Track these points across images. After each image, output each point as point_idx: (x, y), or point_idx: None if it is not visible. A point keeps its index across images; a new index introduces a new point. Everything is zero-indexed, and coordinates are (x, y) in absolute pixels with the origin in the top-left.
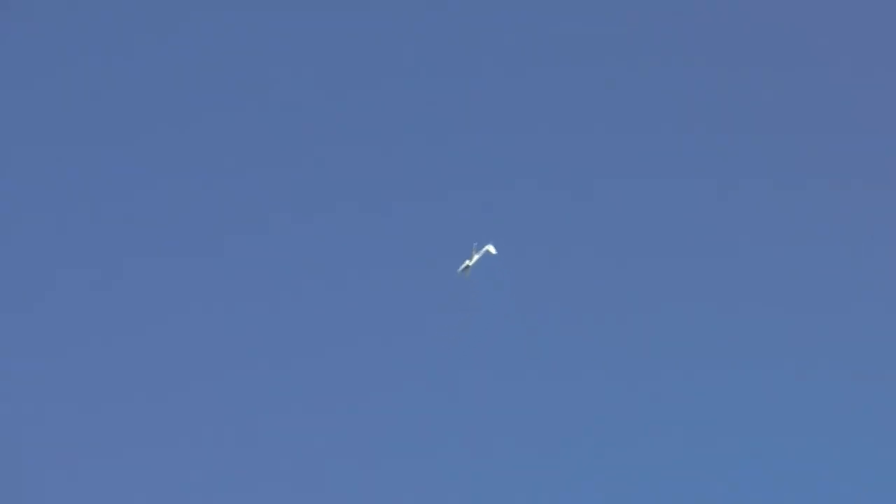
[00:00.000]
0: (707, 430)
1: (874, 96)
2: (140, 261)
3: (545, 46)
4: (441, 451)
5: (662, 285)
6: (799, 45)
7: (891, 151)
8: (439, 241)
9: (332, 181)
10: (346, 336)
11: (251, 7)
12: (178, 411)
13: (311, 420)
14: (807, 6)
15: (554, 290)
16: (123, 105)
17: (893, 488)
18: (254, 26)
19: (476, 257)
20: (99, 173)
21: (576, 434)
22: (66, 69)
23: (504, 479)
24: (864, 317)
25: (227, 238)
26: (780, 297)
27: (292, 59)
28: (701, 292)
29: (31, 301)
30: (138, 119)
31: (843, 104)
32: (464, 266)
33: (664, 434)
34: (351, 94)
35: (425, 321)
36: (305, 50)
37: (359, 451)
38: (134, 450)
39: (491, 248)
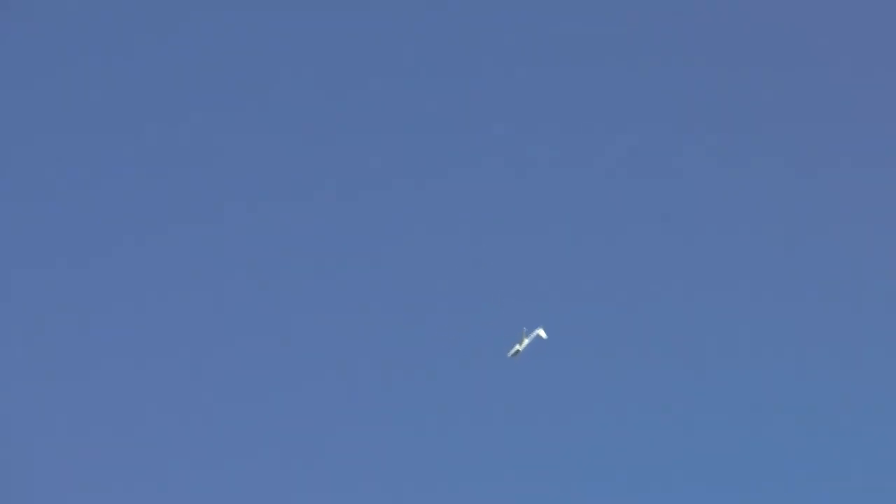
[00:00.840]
0: (709, 431)
1: (875, 96)
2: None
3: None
4: (441, 453)
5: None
6: (799, 45)
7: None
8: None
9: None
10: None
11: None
12: (167, 413)
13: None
14: (807, 7)
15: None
16: (122, 102)
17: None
18: (248, 22)
19: (526, 341)
20: (95, 168)
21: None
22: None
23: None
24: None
25: (227, 238)
26: (781, 297)
27: (287, 59)
28: (702, 291)
29: None
30: (134, 115)
31: (843, 105)
32: (514, 350)
33: (672, 436)
34: (351, 94)
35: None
36: (298, 49)
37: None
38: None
39: (542, 332)
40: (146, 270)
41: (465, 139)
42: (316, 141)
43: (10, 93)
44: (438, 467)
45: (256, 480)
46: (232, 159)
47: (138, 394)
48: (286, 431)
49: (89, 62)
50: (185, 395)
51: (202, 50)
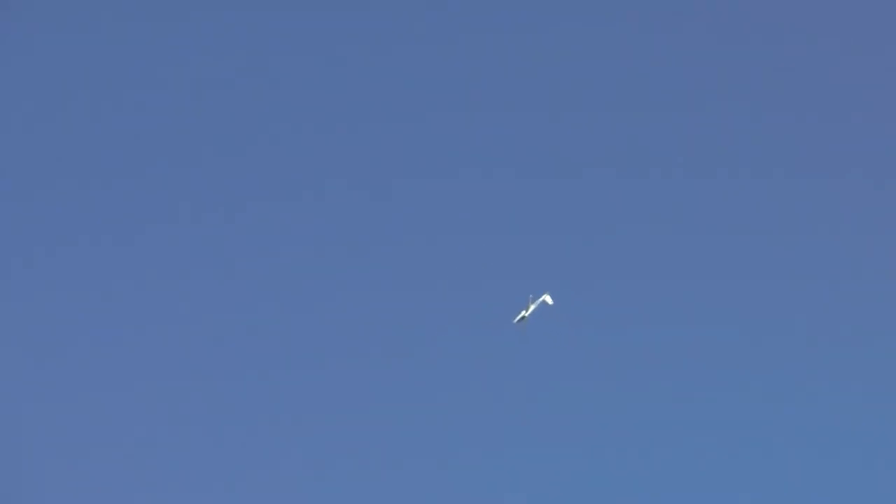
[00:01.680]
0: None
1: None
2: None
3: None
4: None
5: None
6: (799, 46)
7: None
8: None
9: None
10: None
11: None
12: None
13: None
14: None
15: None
16: (121, 101)
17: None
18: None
19: (532, 307)
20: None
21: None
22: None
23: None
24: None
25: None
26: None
27: (285, 57)
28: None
29: None
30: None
31: (844, 106)
32: (520, 317)
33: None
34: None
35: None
36: (297, 47)
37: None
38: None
39: (548, 298)
40: (145, 269)
41: (461, 137)
42: (313, 138)
43: (10, 93)
44: (440, 457)
45: (255, 480)
46: (230, 158)
47: (137, 393)
48: (278, 424)
49: (88, 61)
50: (184, 393)
51: (201, 49)
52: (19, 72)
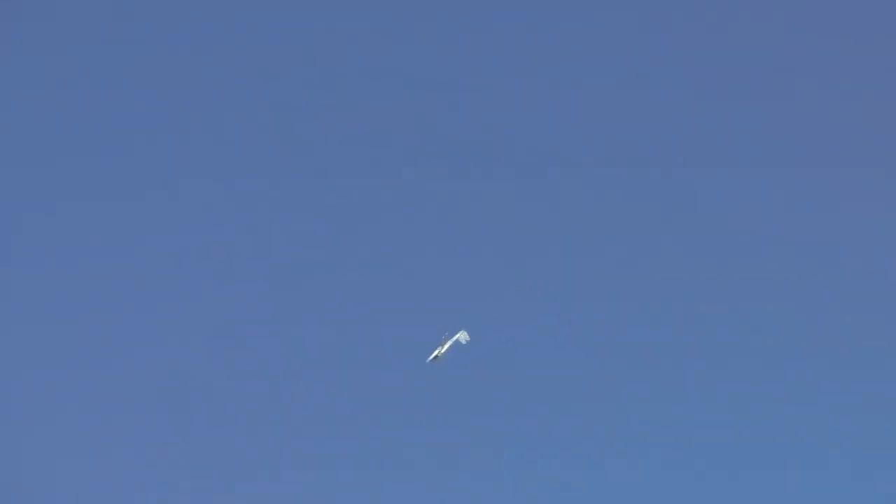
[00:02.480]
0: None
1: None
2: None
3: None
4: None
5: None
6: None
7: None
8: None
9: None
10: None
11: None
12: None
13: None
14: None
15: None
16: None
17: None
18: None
19: (448, 345)
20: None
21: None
22: None
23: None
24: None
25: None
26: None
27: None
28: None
29: None
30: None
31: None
32: (433, 356)
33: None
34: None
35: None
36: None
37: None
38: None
39: (463, 336)
40: (144, 268)
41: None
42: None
43: (10, 92)
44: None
45: (255, 480)
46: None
47: (135, 392)
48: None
49: (88, 60)
50: (182, 392)
51: (201, 48)
52: (18, 69)
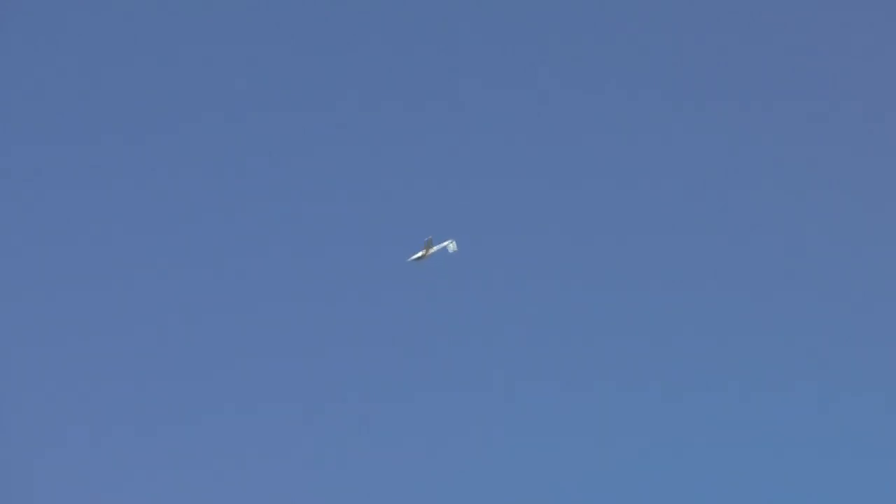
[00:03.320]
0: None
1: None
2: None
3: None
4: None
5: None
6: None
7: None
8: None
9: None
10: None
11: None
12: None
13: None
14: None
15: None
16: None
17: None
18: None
19: (433, 250)
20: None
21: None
22: None
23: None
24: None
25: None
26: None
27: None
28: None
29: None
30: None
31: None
32: (416, 256)
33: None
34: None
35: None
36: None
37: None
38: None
39: (452, 245)
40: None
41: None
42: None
43: (10, 92)
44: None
45: (253, 481)
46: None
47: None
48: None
49: (87, 60)
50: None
51: (199, 49)
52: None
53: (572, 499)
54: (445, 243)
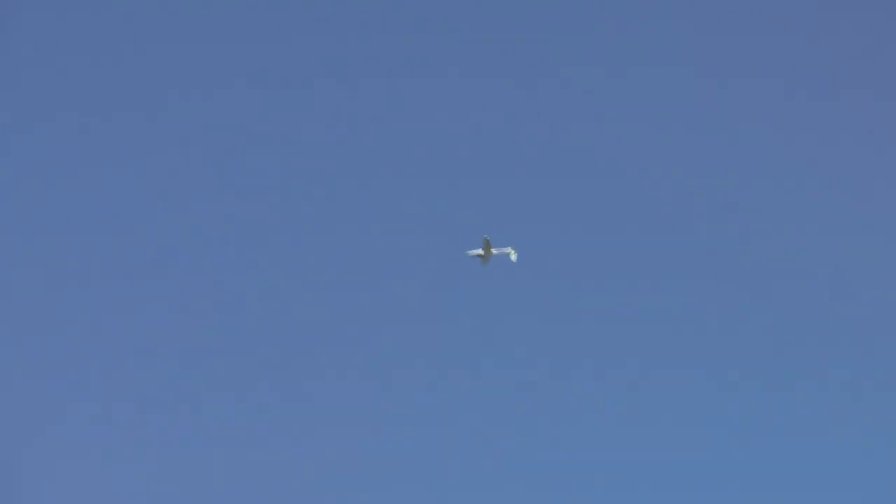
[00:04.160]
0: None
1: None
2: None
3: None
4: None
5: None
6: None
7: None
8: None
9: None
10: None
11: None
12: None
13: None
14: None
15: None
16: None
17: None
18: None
19: (495, 252)
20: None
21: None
22: None
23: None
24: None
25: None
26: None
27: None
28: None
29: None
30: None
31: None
32: (476, 253)
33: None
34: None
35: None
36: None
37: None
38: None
39: (513, 254)
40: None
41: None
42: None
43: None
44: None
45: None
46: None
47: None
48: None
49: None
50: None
51: (201, 49)
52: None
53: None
54: (507, 250)
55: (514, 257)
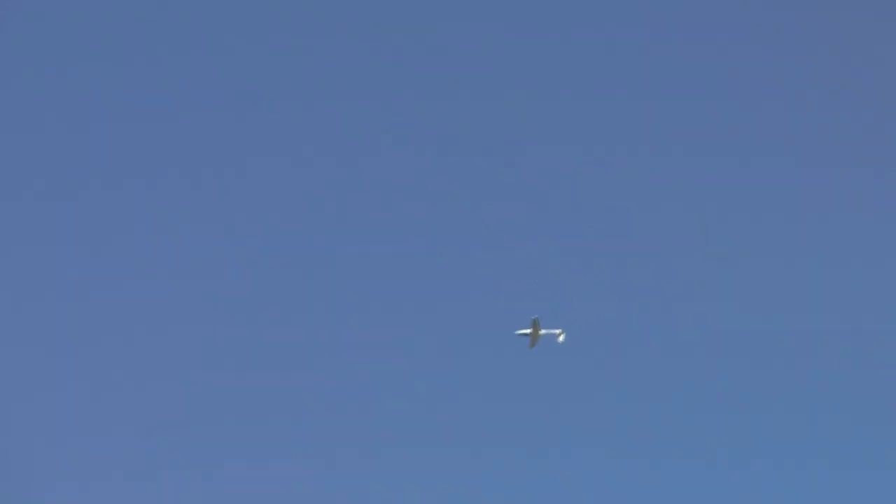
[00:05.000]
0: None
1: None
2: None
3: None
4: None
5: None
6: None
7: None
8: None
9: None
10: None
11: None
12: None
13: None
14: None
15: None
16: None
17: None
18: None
19: (543, 333)
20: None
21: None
22: None
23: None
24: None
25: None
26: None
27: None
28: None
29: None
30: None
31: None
32: (525, 332)
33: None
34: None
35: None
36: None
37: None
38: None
39: (562, 336)
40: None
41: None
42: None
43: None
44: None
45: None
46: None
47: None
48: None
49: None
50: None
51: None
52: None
53: None
54: (556, 331)
55: (561, 339)
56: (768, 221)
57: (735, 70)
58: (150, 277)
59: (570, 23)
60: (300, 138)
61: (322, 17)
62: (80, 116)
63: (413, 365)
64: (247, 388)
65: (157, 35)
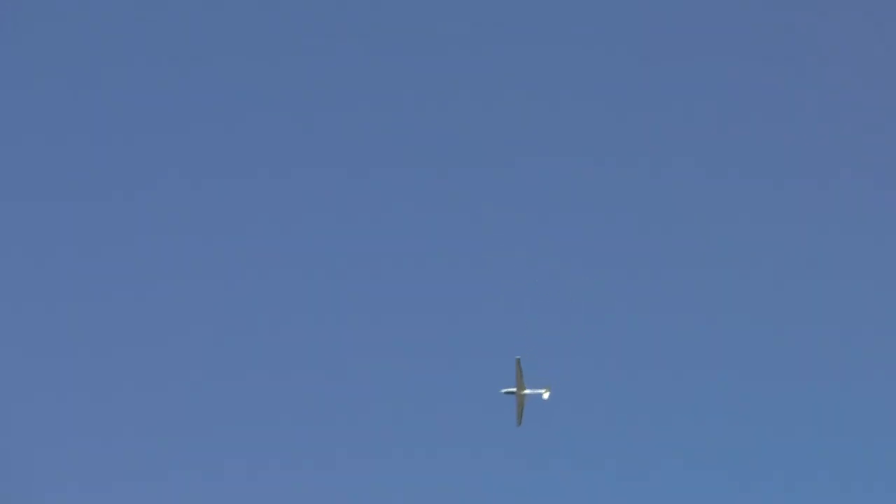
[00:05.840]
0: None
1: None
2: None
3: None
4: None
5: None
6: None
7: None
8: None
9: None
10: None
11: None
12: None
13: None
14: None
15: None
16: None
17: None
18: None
19: (528, 392)
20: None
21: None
22: None
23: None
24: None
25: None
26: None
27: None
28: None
29: None
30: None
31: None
32: (510, 391)
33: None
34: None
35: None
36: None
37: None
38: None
39: (546, 393)
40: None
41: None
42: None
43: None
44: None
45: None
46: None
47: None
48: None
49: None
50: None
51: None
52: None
53: None
54: (541, 390)
55: (546, 396)
56: (767, 231)
57: (732, 78)
58: (152, 280)
59: (569, 27)
60: (298, 145)
61: (322, 20)
62: (80, 116)
63: (413, 368)
64: (248, 391)
65: (158, 36)
